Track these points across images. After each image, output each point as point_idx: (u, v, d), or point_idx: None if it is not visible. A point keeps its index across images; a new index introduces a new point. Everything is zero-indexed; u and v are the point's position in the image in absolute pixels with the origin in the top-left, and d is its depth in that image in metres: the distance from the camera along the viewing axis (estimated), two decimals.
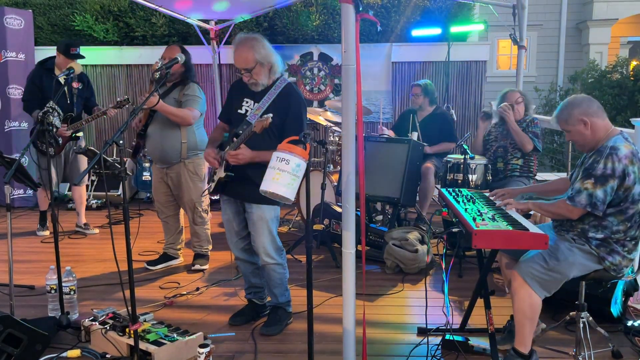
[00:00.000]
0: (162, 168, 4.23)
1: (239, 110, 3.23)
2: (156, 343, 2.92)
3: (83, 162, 5.28)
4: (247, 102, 3.21)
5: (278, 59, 3.16)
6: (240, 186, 3.18)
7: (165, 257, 4.53)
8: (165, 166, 4.20)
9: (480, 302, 3.01)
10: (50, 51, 6.81)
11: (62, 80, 4.71)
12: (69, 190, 6.43)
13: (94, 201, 6.66)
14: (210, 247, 4.52)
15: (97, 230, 5.57)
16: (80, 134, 5.27)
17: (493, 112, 4.64)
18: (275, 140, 3.08)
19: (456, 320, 3.34)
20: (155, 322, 3.21)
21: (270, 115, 2.96)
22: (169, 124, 4.08)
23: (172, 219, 4.44)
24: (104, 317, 3.18)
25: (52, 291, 3.50)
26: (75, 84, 5.09)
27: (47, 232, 5.48)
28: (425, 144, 5.07)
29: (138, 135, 4.21)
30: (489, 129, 4.76)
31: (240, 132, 3.11)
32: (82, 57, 5.13)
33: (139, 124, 4.20)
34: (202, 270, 4.41)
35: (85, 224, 5.56)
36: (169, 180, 4.25)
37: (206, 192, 3.29)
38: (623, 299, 3.40)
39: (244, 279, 3.55)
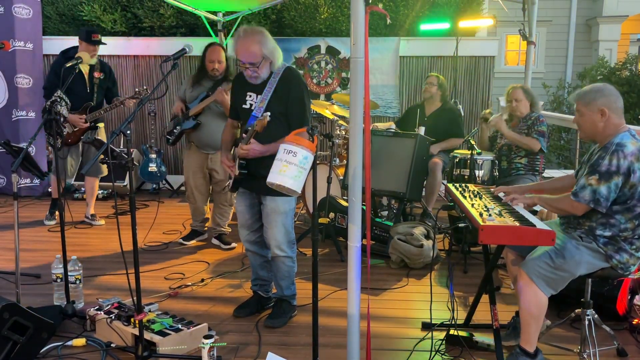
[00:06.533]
0: (207, 154, 4.65)
1: (244, 106, 3.24)
2: (161, 333, 2.94)
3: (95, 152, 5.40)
4: (250, 96, 3.22)
5: (281, 54, 3.19)
6: (256, 179, 3.17)
7: (196, 233, 5.01)
8: (213, 152, 4.61)
9: (485, 297, 3.00)
10: (57, 41, 6.86)
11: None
12: (76, 179, 6.45)
13: (100, 191, 6.67)
14: (229, 229, 4.90)
15: (103, 222, 5.59)
16: (101, 124, 5.29)
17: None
18: (283, 129, 3.08)
19: (461, 315, 3.33)
20: (160, 312, 3.22)
21: (268, 113, 3.01)
22: (222, 114, 4.43)
23: (202, 203, 4.86)
24: (109, 306, 3.20)
25: (58, 280, 3.52)
26: (96, 74, 5.12)
27: (53, 222, 5.50)
28: (433, 139, 5.03)
29: (195, 125, 4.57)
30: None
31: (249, 128, 3.12)
32: (104, 43, 5.19)
33: (181, 112, 4.62)
34: (234, 247, 4.79)
35: (92, 215, 5.58)
36: (213, 165, 4.63)
37: (226, 189, 3.34)
38: (629, 297, 3.38)
39: (251, 270, 3.56)
